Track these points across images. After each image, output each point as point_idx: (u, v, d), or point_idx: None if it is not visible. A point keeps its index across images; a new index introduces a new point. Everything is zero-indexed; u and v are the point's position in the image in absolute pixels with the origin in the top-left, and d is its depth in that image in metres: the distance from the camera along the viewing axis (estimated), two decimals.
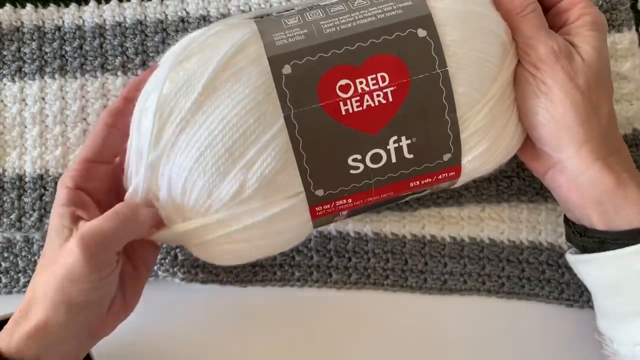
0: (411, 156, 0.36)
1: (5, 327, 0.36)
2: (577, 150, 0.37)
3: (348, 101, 0.35)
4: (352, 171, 0.36)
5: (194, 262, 0.46)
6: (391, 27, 0.35)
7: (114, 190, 0.40)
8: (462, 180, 0.40)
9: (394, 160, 0.36)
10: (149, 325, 0.46)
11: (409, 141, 0.36)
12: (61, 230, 0.36)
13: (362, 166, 0.36)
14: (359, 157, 0.36)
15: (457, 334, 0.46)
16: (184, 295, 0.46)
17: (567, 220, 0.41)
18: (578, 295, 0.45)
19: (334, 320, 0.46)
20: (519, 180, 0.46)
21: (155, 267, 0.46)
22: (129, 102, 0.39)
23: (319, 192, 0.36)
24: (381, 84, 0.35)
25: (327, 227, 0.46)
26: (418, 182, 0.38)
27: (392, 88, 0.35)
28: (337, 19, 0.36)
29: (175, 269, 0.46)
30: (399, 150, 0.36)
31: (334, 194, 0.37)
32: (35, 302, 0.35)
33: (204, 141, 0.35)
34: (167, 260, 0.46)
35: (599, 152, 0.37)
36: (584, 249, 0.40)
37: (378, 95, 0.35)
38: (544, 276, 0.46)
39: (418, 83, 0.35)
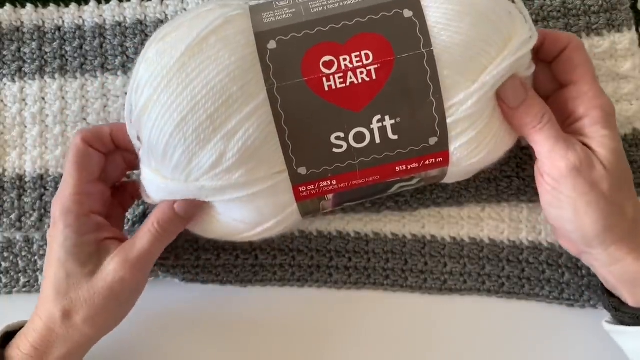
0: (396, 137, 0.36)
1: (27, 353, 0.38)
2: (606, 249, 0.38)
3: (331, 77, 0.35)
4: (335, 150, 0.36)
5: (194, 262, 0.46)
6: (377, 7, 0.36)
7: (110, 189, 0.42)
8: (454, 173, 0.39)
9: (377, 140, 0.36)
10: (148, 325, 0.46)
11: (393, 121, 0.36)
12: (87, 260, 0.38)
13: (345, 145, 0.36)
14: (341, 135, 0.36)
15: (457, 334, 0.46)
16: (184, 295, 0.46)
17: (604, 290, 0.42)
18: (578, 295, 0.45)
19: (333, 320, 0.46)
20: (519, 180, 0.46)
21: (155, 267, 0.46)
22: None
23: (302, 170, 0.36)
24: (365, 62, 0.35)
25: (327, 226, 0.46)
26: (404, 167, 0.37)
27: (375, 66, 0.35)
28: (325, 0, 0.36)
29: (175, 269, 0.46)
30: (382, 130, 0.36)
31: (317, 174, 0.36)
32: (73, 329, 0.38)
33: (187, 105, 0.34)
34: (167, 260, 0.46)
35: (628, 247, 0.38)
36: (621, 322, 0.41)
37: (362, 73, 0.35)
38: (544, 276, 0.46)
39: (402, 62, 0.35)
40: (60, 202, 0.38)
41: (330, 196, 0.38)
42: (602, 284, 0.42)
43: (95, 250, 0.38)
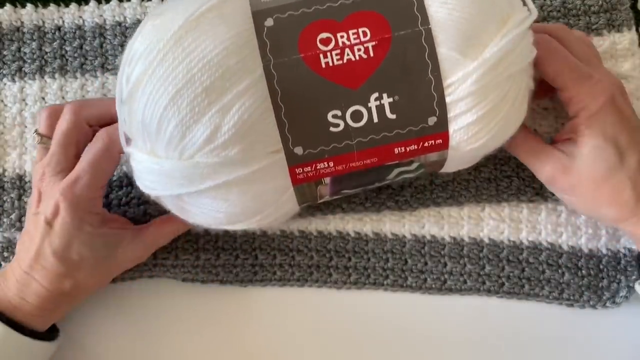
0: (394, 116, 0.35)
1: (29, 312, 0.40)
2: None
3: (328, 54, 0.35)
4: (332, 128, 0.35)
5: (194, 262, 0.46)
6: None
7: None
8: (454, 158, 0.38)
9: (375, 119, 0.35)
10: (148, 325, 0.46)
11: (391, 99, 0.35)
12: (102, 248, 0.41)
13: (342, 124, 0.35)
14: (338, 113, 0.35)
15: (457, 334, 0.46)
16: (184, 295, 0.46)
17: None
18: (578, 295, 0.45)
19: (333, 320, 0.46)
20: (518, 180, 0.46)
21: (155, 267, 0.46)
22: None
23: (298, 150, 0.35)
24: (362, 39, 0.35)
25: (327, 226, 0.46)
26: (403, 149, 0.37)
27: (373, 43, 0.35)
28: None
29: (175, 269, 0.46)
30: (380, 108, 0.35)
31: (314, 154, 0.36)
32: (81, 292, 0.42)
33: (182, 79, 0.34)
34: (167, 260, 0.46)
35: None
36: None
37: (359, 50, 0.35)
38: (544, 276, 0.46)
39: (400, 39, 0.35)
40: (76, 203, 0.39)
41: (327, 180, 0.37)
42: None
43: (111, 240, 0.42)
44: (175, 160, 0.35)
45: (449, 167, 0.41)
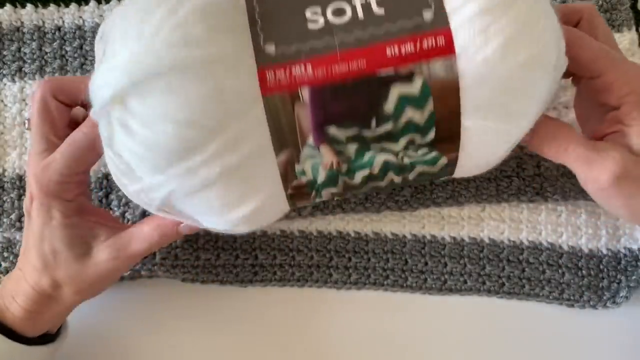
0: (381, 11, 0.31)
1: (19, 315, 0.39)
2: None
3: None
4: (310, 25, 0.31)
5: (194, 262, 0.46)
6: None
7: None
8: (467, 74, 0.31)
9: (360, 16, 0.31)
10: (148, 325, 0.46)
11: None
12: (74, 241, 0.38)
13: (321, 20, 0.31)
14: (317, 10, 0.31)
15: (457, 334, 0.46)
16: (184, 295, 0.46)
17: None
18: (578, 295, 0.45)
19: (334, 320, 0.46)
20: (518, 180, 0.46)
21: (155, 267, 0.46)
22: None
23: (270, 48, 0.30)
24: None
25: (327, 226, 0.46)
26: (397, 49, 0.30)
27: None
28: None
29: (175, 269, 0.46)
30: (366, 4, 0.31)
31: (288, 55, 0.30)
32: (65, 295, 0.39)
33: None
34: (167, 261, 0.46)
35: None
36: None
37: None
38: (544, 276, 0.46)
39: None
40: (44, 185, 0.37)
41: (306, 95, 0.31)
42: None
43: (84, 233, 0.38)
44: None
45: (466, 92, 0.31)
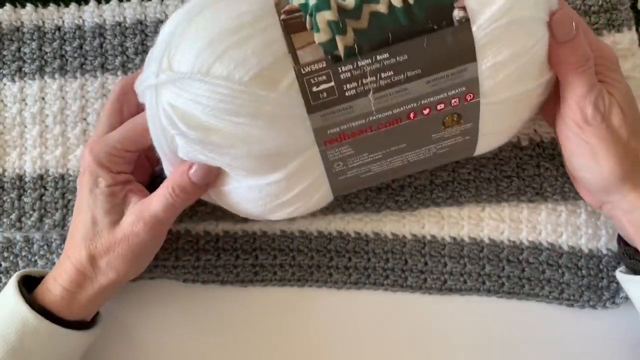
0: None
1: (59, 295, 0.40)
2: (625, 196, 0.39)
3: None
4: None
5: (195, 263, 0.46)
6: None
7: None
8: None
9: None
10: (149, 326, 0.46)
11: None
12: (111, 209, 0.40)
13: None
14: None
15: (457, 334, 0.46)
16: (185, 295, 0.46)
17: (620, 240, 0.43)
18: (578, 295, 0.45)
19: (334, 320, 0.46)
20: (518, 180, 0.46)
21: (156, 268, 0.46)
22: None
23: None
24: None
25: (327, 226, 0.46)
26: None
27: None
28: None
29: (175, 270, 0.46)
30: None
31: None
32: (99, 272, 0.40)
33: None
34: (167, 261, 0.46)
35: None
36: (634, 271, 0.41)
37: None
38: (544, 276, 0.46)
39: None
40: (95, 155, 0.40)
41: None
42: (619, 235, 0.43)
43: (120, 202, 0.40)
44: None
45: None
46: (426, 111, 0.36)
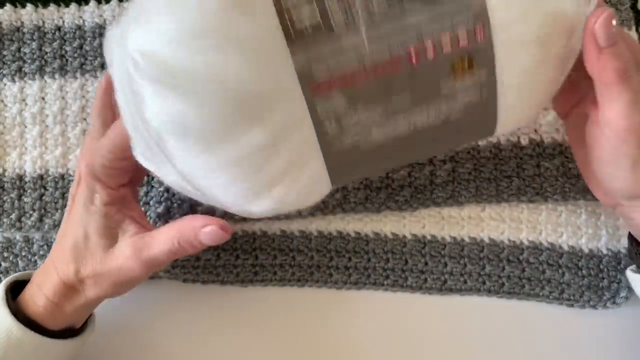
0: None
1: (42, 306, 0.39)
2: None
3: None
4: None
5: (194, 263, 0.46)
6: None
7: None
8: None
9: None
10: (149, 326, 0.46)
11: None
12: (105, 231, 0.39)
13: None
14: None
15: (457, 334, 0.46)
16: (184, 295, 0.46)
17: (631, 238, 0.41)
18: (578, 295, 0.45)
19: (334, 320, 0.46)
20: (519, 180, 0.46)
21: None
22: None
23: None
24: None
25: (327, 226, 0.46)
26: None
27: None
28: None
29: (175, 270, 0.46)
30: None
31: None
32: (86, 287, 0.39)
33: None
34: None
35: None
36: None
37: None
38: (544, 276, 0.46)
39: None
40: (91, 167, 0.38)
41: None
42: (630, 234, 0.41)
43: (115, 225, 0.39)
44: None
45: None
46: (430, 53, 0.31)
